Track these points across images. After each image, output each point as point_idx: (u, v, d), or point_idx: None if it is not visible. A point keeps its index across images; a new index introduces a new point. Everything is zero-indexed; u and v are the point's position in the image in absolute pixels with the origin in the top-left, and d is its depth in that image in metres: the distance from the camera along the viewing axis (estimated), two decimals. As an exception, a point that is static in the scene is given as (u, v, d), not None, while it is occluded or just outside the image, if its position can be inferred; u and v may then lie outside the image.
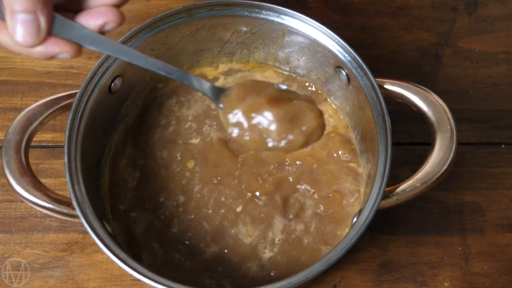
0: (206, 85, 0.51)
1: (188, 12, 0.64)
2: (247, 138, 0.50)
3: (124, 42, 0.62)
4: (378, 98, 0.60)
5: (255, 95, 0.50)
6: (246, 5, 0.64)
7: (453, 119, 0.60)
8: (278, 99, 0.50)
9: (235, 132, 0.50)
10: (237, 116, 0.50)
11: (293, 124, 0.50)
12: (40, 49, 0.45)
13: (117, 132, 0.68)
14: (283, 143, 0.50)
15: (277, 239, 0.63)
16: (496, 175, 0.71)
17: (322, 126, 0.51)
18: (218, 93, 0.51)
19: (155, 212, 0.64)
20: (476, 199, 0.70)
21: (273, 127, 0.49)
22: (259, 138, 0.50)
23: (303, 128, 0.50)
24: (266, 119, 0.49)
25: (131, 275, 0.53)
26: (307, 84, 0.70)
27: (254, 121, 0.49)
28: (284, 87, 0.52)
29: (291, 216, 0.64)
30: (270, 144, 0.50)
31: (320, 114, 0.51)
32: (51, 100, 0.61)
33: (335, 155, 0.66)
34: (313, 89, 0.70)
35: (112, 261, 0.53)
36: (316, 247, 0.62)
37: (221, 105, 0.51)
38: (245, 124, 0.49)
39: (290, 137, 0.49)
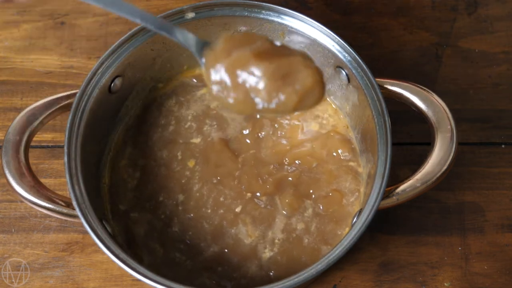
0: (191, 37, 0.46)
1: (188, 12, 0.64)
2: (231, 100, 0.45)
3: (124, 42, 0.62)
4: (378, 98, 0.60)
5: (242, 49, 0.44)
6: (246, 5, 0.64)
7: (453, 119, 0.60)
8: (268, 53, 0.45)
9: (218, 91, 0.45)
10: (220, 72, 0.44)
11: (285, 82, 0.44)
12: None
13: (117, 132, 0.68)
14: (274, 103, 0.44)
15: (277, 239, 0.63)
16: (496, 175, 0.71)
17: (319, 84, 0.45)
18: (204, 47, 0.46)
19: (155, 211, 0.64)
20: (476, 199, 0.70)
21: (261, 85, 0.44)
22: (245, 98, 0.44)
23: (297, 86, 0.44)
24: (253, 76, 0.44)
25: (131, 275, 0.53)
26: (307, 84, 0.70)
27: (240, 79, 0.44)
28: (278, 43, 0.46)
29: (286, 213, 0.64)
30: (260, 106, 0.45)
31: (317, 71, 0.46)
32: (51, 100, 0.61)
33: (334, 154, 0.66)
34: (313, 89, 0.70)
35: (112, 261, 0.53)
36: (317, 246, 0.62)
37: (203, 59, 0.46)
38: (229, 82, 0.44)
39: (282, 96, 0.44)
